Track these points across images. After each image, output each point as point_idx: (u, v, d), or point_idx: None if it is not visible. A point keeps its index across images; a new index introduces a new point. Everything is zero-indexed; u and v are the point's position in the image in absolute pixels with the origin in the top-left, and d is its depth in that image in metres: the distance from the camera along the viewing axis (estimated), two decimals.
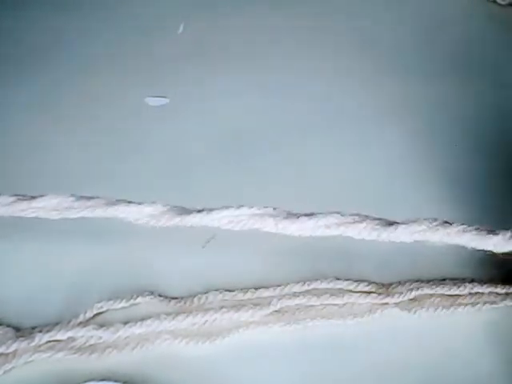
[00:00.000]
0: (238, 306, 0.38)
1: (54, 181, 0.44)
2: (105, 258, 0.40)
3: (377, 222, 0.35)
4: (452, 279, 0.40)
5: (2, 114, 0.49)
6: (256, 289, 0.39)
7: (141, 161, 0.46)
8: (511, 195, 0.42)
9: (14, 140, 0.47)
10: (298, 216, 0.36)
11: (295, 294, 0.39)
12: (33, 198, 0.37)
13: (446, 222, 0.35)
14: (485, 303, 0.39)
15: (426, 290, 0.39)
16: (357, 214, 0.36)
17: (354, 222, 0.35)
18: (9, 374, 0.35)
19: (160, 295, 0.38)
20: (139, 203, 0.37)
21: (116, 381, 0.35)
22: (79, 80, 0.51)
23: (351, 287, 0.39)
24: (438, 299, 0.39)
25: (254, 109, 0.50)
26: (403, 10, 0.57)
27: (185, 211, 0.37)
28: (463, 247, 0.37)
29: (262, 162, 0.47)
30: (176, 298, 0.38)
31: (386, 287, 0.39)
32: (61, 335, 0.36)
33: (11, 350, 0.35)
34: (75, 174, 0.45)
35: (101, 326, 0.36)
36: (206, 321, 0.37)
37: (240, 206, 0.36)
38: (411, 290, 0.39)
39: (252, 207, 0.36)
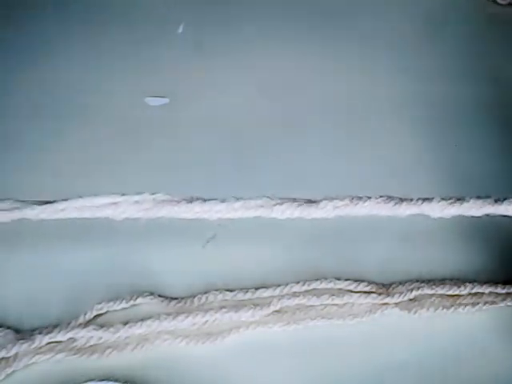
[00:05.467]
0: (237, 306, 0.38)
1: (53, 179, 0.45)
2: (105, 258, 0.40)
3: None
4: (452, 279, 0.40)
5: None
6: (256, 289, 0.39)
7: (141, 161, 0.46)
8: None
9: (14, 142, 0.47)
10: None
11: (295, 294, 0.39)
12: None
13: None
14: (485, 303, 0.39)
15: (426, 290, 0.39)
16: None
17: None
18: (10, 378, 0.35)
19: (160, 295, 0.38)
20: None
21: (116, 381, 0.35)
22: (79, 80, 0.51)
23: (351, 287, 0.39)
24: (438, 299, 0.39)
25: (254, 109, 0.50)
26: (403, 9, 0.57)
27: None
28: (465, 246, 0.37)
29: (262, 161, 0.47)
30: (176, 298, 0.38)
31: (385, 287, 0.39)
32: (61, 336, 0.36)
33: (12, 353, 0.35)
34: (75, 173, 0.45)
35: (101, 326, 0.36)
36: (206, 321, 0.38)
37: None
38: (411, 290, 0.39)
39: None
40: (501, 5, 0.57)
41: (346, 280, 0.39)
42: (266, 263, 0.40)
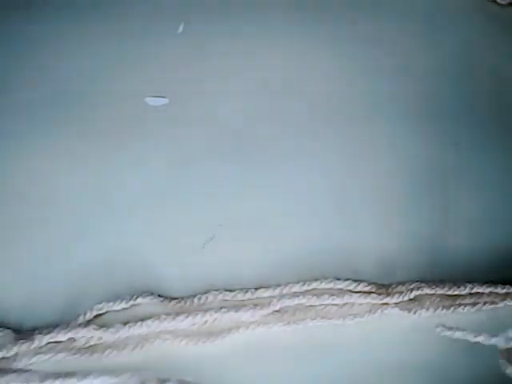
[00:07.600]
0: (237, 306, 0.38)
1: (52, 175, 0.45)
2: (105, 258, 0.40)
3: None
4: (452, 279, 0.40)
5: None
6: (256, 289, 0.39)
7: (141, 160, 0.46)
8: None
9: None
10: None
11: (295, 294, 0.39)
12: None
13: None
14: (485, 303, 0.39)
15: (426, 290, 0.39)
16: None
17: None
18: None
19: (160, 295, 0.38)
20: None
21: None
22: (79, 80, 0.51)
23: (351, 287, 0.39)
24: (438, 299, 0.39)
25: (253, 109, 0.50)
26: (402, 9, 0.57)
27: None
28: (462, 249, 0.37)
29: (262, 161, 0.47)
30: (176, 298, 0.38)
31: (385, 287, 0.39)
32: (61, 336, 0.36)
33: (12, 353, 0.35)
34: (74, 172, 0.45)
35: (101, 326, 0.36)
36: (206, 321, 0.38)
37: None
38: (411, 290, 0.39)
39: None
40: (501, 5, 0.57)
41: (346, 280, 0.39)
42: (266, 263, 0.40)
